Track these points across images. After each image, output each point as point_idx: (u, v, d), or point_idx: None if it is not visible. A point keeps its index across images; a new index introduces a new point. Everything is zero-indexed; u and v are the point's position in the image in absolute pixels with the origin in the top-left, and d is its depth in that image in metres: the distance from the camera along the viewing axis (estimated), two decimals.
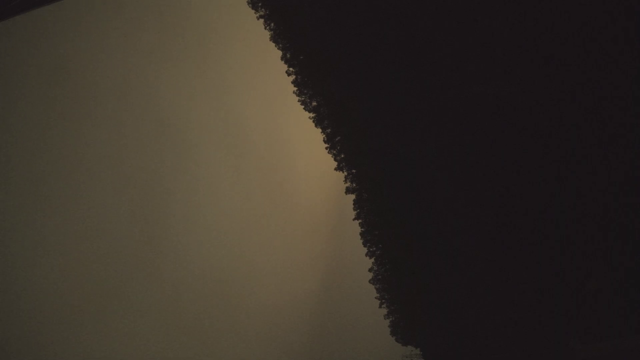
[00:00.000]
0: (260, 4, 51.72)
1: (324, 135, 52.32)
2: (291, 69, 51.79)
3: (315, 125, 52.39)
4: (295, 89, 51.88)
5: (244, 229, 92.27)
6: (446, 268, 43.58)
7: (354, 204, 52.38)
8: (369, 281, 53.79)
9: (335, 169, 52.56)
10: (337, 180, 54.34)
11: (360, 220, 52.67)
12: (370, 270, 53.60)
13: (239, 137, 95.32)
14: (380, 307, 53.62)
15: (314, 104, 51.83)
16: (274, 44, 52.45)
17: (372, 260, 53.15)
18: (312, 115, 52.13)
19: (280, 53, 52.11)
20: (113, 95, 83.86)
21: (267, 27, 52.01)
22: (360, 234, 53.19)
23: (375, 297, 53.84)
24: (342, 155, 51.82)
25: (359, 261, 54.84)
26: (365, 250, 53.31)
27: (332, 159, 52.49)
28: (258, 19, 52.26)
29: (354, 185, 51.76)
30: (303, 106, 52.14)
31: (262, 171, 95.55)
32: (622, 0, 30.25)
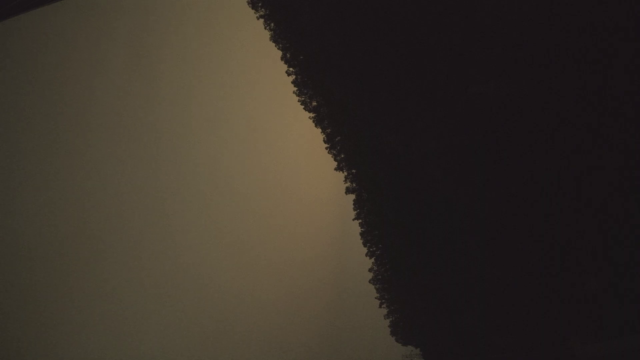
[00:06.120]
0: (260, 4, 51.61)
1: (324, 135, 52.20)
2: (291, 69, 51.67)
3: (315, 125, 52.23)
4: (295, 89, 51.76)
5: (245, 229, 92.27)
6: (446, 268, 43.56)
7: (354, 204, 52.24)
8: (369, 281, 53.66)
9: (335, 169, 52.42)
10: (337, 180, 54.24)
11: (360, 220, 52.55)
12: (370, 270, 53.48)
13: (240, 137, 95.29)
14: (380, 307, 53.52)
15: (314, 104, 51.65)
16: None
17: (372, 260, 53.04)
18: (312, 115, 51.99)
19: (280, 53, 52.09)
20: (111, 94, 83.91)
21: (267, 27, 51.90)
22: (360, 234, 53.04)
23: (375, 297, 53.73)
24: (342, 155, 51.69)
25: (359, 261, 54.81)
26: (365, 250, 53.22)
27: (332, 159, 52.38)
28: (258, 19, 52.16)
29: (354, 185, 51.64)
30: (303, 106, 52.01)
31: (263, 172, 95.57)
32: (621, 0, 30.26)
